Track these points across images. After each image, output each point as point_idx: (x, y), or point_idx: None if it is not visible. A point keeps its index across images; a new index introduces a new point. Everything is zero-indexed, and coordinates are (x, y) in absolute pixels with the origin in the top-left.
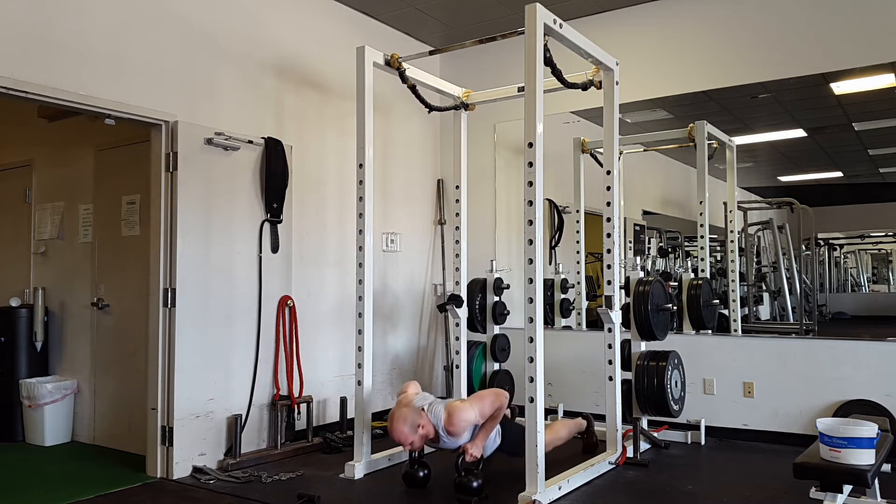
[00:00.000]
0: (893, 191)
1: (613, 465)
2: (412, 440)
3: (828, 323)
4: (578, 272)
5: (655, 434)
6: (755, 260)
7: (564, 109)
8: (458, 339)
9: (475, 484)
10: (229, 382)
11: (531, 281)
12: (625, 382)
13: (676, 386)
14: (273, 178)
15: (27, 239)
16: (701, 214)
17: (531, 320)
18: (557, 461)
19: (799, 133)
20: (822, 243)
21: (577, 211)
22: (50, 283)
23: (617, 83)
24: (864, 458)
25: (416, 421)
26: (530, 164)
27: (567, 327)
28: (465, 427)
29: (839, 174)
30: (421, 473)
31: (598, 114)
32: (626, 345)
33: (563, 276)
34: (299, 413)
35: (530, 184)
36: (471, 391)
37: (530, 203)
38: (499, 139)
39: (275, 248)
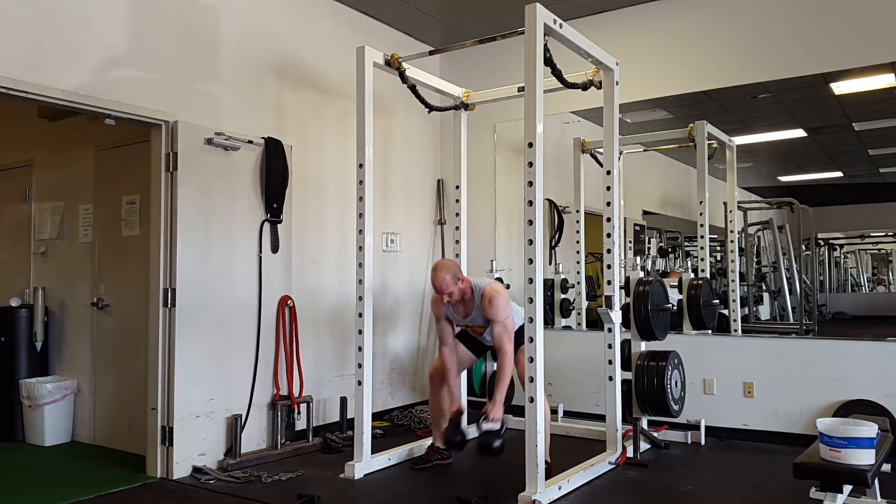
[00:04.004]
0: (893, 191)
1: (613, 465)
2: (452, 290)
3: (828, 323)
4: (578, 272)
5: (655, 434)
6: (755, 260)
7: (564, 109)
8: None
9: (497, 444)
10: (229, 382)
11: (531, 281)
12: (625, 382)
13: (676, 386)
14: (273, 178)
15: (27, 239)
16: (701, 214)
17: (531, 320)
18: (557, 462)
19: (799, 133)
20: (822, 243)
21: (577, 211)
22: (50, 283)
23: (617, 83)
24: (864, 458)
25: (457, 274)
26: (530, 164)
27: (567, 327)
28: (494, 314)
29: (839, 174)
30: (458, 438)
31: (598, 114)
32: (626, 345)
33: (563, 276)
34: (299, 413)
35: (530, 184)
36: (471, 391)
37: (530, 203)
38: (499, 139)
39: (275, 248)
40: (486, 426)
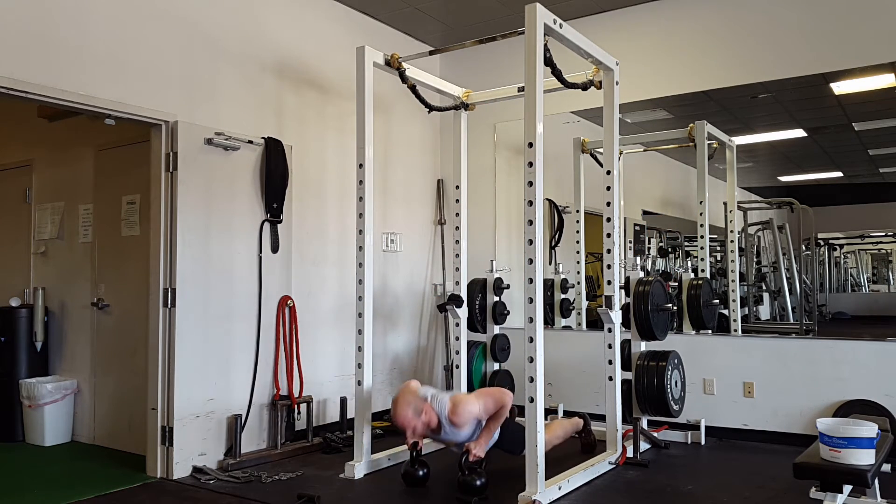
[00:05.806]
0: (893, 191)
1: (613, 465)
2: (415, 425)
3: (828, 323)
4: (578, 272)
5: (655, 434)
6: (755, 260)
7: (564, 109)
8: (458, 339)
9: (479, 482)
10: (229, 382)
11: (531, 281)
12: (625, 382)
13: (676, 386)
14: (273, 178)
15: (27, 239)
16: (701, 214)
17: (531, 320)
18: (557, 461)
19: (799, 133)
20: (822, 243)
21: (577, 211)
22: (50, 283)
23: (617, 83)
24: (864, 458)
25: (419, 407)
26: (530, 164)
27: (567, 327)
28: (469, 419)
29: (839, 174)
30: (421, 472)
31: (598, 114)
32: (626, 345)
33: (563, 276)
34: (299, 413)
35: (530, 184)
36: (471, 391)
37: (530, 203)
38: (499, 139)
39: (275, 248)
40: (468, 465)
